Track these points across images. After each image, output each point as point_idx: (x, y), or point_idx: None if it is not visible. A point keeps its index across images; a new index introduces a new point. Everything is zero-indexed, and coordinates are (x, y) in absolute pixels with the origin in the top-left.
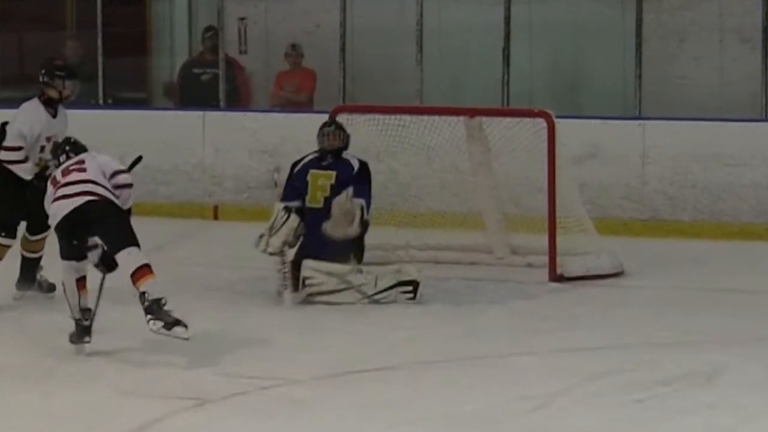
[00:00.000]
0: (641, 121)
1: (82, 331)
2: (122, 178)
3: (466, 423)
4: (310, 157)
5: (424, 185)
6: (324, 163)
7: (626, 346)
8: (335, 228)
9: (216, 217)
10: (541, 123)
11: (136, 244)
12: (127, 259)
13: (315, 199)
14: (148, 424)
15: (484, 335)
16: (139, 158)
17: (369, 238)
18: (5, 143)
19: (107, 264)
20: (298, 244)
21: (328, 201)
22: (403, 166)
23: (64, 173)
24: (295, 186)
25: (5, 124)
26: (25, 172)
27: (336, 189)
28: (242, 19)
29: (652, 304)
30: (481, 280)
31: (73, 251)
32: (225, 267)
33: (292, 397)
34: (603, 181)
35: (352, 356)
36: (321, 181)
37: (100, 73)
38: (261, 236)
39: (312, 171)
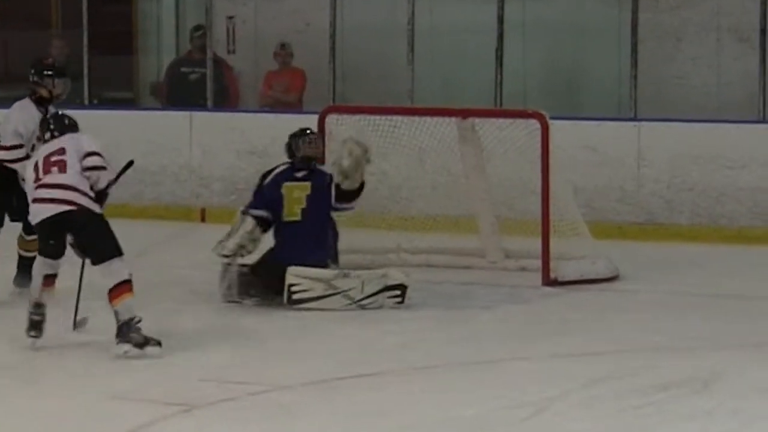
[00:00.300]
0: (637, 122)
1: (31, 326)
2: (91, 161)
3: (460, 429)
4: (281, 168)
5: (416, 187)
6: (299, 174)
7: (622, 352)
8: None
9: (203, 220)
10: (535, 124)
11: (118, 254)
12: (107, 273)
13: (292, 212)
14: (136, 429)
15: (477, 340)
16: (130, 163)
17: (360, 242)
18: (3, 143)
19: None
20: (267, 250)
21: (305, 213)
22: (394, 167)
23: (45, 165)
24: (265, 198)
25: None
26: (25, 168)
27: (312, 199)
28: (231, 17)
29: (648, 309)
30: (474, 284)
31: (48, 249)
32: (212, 270)
33: (281, 403)
34: (598, 184)
35: (343, 361)
36: (296, 193)
37: (86, 72)
38: (220, 241)
39: (286, 184)
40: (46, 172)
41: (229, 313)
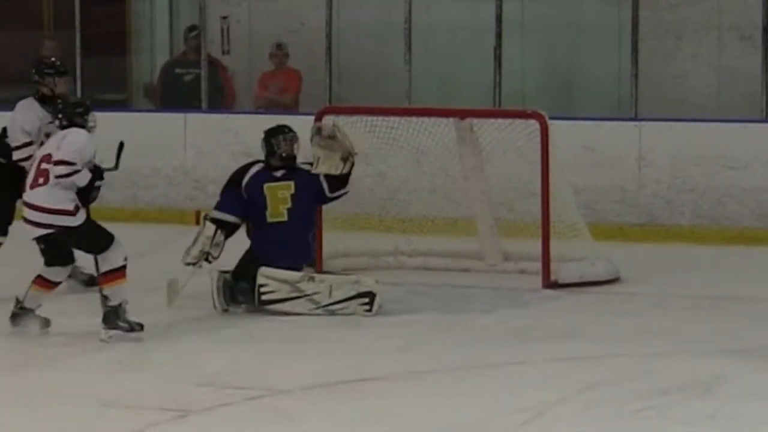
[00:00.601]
0: (637, 122)
1: (10, 315)
2: (56, 171)
3: None
4: (256, 168)
5: (414, 189)
6: (278, 174)
7: (622, 355)
8: (327, 162)
9: (198, 223)
10: (534, 124)
11: (108, 245)
12: (103, 261)
13: (278, 213)
14: None
15: (476, 344)
16: (121, 145)
17: (357, 244)
18: (13, 144)
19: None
20: (246, 253)
21: (291, 213)
22: (391, 169)
23: (37, 171)
24: (241, 200)
25: (5, 129)
26: None
27: (297, 198)
28: (225, 17)
29: (649, 312)
30: (472, 287)
31: (43, 256)
32: (207, 275)
33: (279, 408)
34: (598, 185)
35: (341, 366)
36: (281, 193)
37: (78, 73)
38: (187, 249)
39: (268, 185)
40: (35, 181)
41: (225, 317)
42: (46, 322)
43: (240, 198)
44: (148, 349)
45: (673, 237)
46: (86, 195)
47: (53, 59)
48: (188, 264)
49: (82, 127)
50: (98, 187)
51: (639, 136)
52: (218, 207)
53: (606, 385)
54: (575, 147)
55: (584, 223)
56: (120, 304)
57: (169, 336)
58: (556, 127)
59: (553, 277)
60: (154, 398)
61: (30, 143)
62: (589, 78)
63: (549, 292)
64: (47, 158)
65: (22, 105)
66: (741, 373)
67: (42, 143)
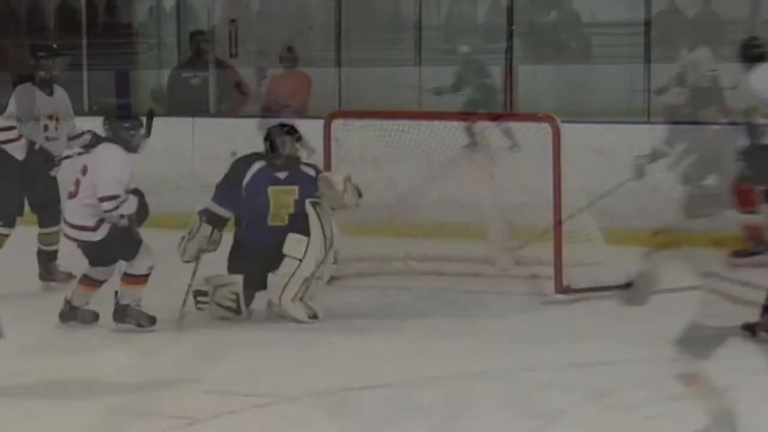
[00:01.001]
0: (650, 125)
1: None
2: (105, 206)
3: None
4: (258, 166)
5: (424, 193)
6: (281, 176)
7: (636, 361)
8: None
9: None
10: (546, 127)
11: (132, 256)
12: (127, 267)
13: (279, 217)
14: None
15: (487, 349)
16: (151, 113)
17: (367, 249)
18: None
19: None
20: (237, 253)
21: (291, 217)
22: (401, 173)
23: (76, 180)
24: (238, 198)
25: None
26: (16, 150)
27: (299, 203)
28: (233, 21)
29: (662, 317)
30: (483, 292)
31: (84, 255)
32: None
33: (288, 415)
34: (610, 188)
35: (349, 372)
36: (284, 198)
37: (85, 78)
38: (182, 238)
39: (273, 188)
40: (71, 189)
41: (233, 324)
42: (94, 316)
43: (237, 196)
44: (154, 355)
45: (687, 241)
46: (139, 215)
47: (41, 44)
48: (186, 261)
49: (126, 144)
50: (145, 204)
51: (652, 139)
52: (217, 200)
53: (619, 391)
54: (587, 150)
55: (596, 227)
56: (128, 304)
57: (176, 342)
58: (567, 130)
59: (565, 282)
60: (162, 405)
61: (12, 128)
62: (602, 80)
63: (561, 297)
64: (84, 170)
65: (17, 90)
66: (756, 379)
67: (46, 126)
